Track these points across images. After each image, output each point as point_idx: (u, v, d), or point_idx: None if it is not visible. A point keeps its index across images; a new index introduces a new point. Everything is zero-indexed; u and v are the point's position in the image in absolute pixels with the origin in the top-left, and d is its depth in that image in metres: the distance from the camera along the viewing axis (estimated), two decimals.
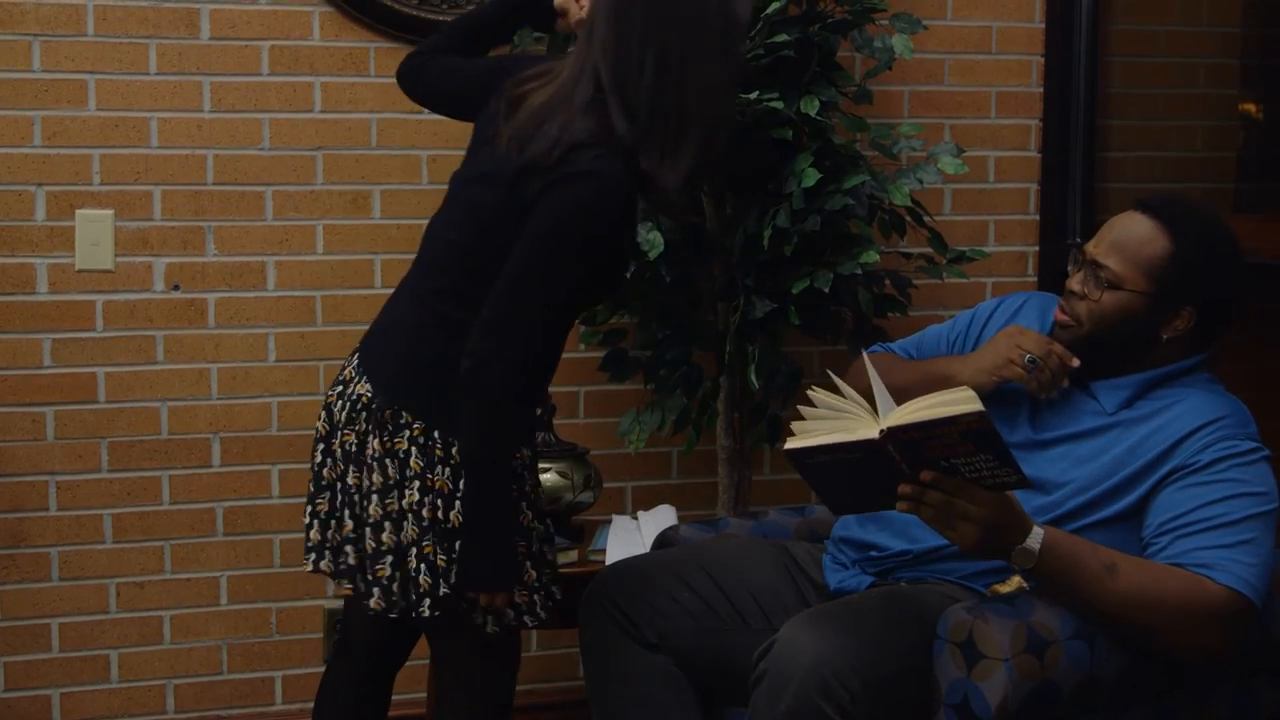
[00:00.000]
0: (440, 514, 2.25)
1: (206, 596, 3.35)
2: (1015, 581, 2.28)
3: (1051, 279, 3.60)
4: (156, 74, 3.23)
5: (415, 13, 3.31)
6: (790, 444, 2.10)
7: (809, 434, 2.09)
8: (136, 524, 3.30)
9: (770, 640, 2.20)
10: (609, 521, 3.20)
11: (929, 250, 3.32)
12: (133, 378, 3.27)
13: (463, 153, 2.44)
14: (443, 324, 2.28)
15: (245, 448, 3.34)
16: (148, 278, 3.26)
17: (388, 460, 2.27)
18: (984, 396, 2.10)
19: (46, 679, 3.28)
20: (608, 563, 2.90)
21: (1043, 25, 3.68)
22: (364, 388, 2.31)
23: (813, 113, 3.02)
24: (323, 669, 2.75)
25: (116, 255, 3.24)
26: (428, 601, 2.26)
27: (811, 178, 2.98)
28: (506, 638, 2.35)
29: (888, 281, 3.24)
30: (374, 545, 2.28)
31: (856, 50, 3.25)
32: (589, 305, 2.58)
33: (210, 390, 3.31)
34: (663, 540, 2.76)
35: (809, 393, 2.12)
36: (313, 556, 2.39)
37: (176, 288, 3.28)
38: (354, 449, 2.31)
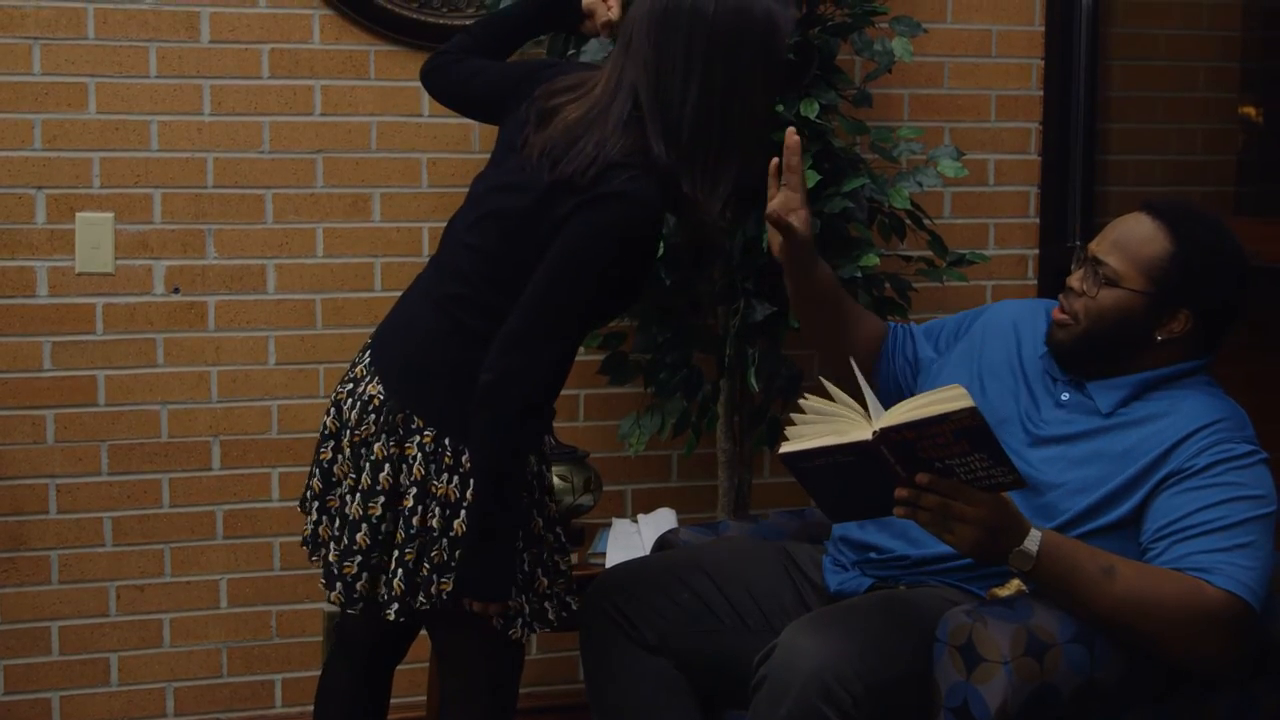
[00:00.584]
0: (436, 521, 2.25)
1: (206, 599, 3.35)
2: (1014, 585, 2.28)
3: (1051, 282, 3.61)
4: (157, 77, 3.23)
5: (415, 16, 3.31)
6: (784, 447, 2.10)
7: (802, 438, 2.09)
8: (136, 527, 3.30)
9: (771, 645, 2.20)
10: (609, 524, 3.21)
11: (929, 253, 3.32)
12: (133, 381, 3.28)
13: (463, 156, 2.45)
14: (461, 332, 2.27)
15: (245, 451, 3.34)
16: (148, 281, 3.27)
17: (387, 465, 2.27)
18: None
19: (46, 682, 3.28)
20: (608, 565, 2.90)
21: (1043, 28, 3.68)
22: (375, 388, 2.31)
23: (812, 116, 3.02)
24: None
25: (117, 258, 3.24)
26: (395, 607, 2.26)
27: (811, 180, 2.98)
28: (511, 639, 2.35)
29: (887, 285, 3.25)
30: (347, 542, 2.28)
31: (856, 53, 3.25)
32: (605, 321, 2.58)
33: (210, 393, 3.31)
34: (663, 543, 2.76)
35: (800, 402, 2.12)
36: (322, 551, 2.39)
37: (176, 291, 3.28)
38: (359, 448, 2.31)
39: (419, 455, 2.25)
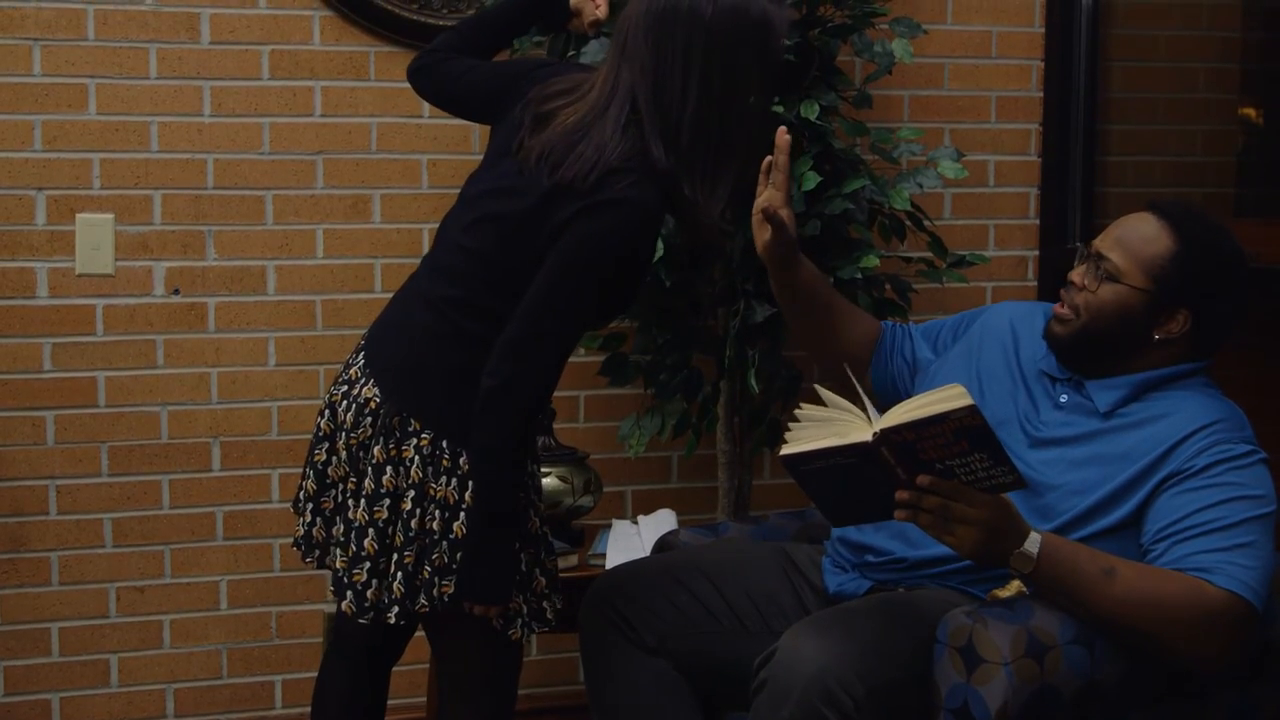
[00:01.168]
0: (436, 524, 2.25)
1: (206, 601, 3.35)
2: (1014, 586, 2.28)
3: (1051, 283, 3.60)
4: (157, 78, 3.23)
5: (416, 17, 3.31)
6: (784, 450, 2.10)
7: (802, 440, 2.09)
8: (136, 528, 3.30)
9: (771, 648, 2.20)
10: (609, 526, 3.21)
11: (929, 254, 3.32)
12: (133, 382, 3.28)
13: (462, 157, 2.45)
14: (458, 335, 2.27)
15: (245, 452, 3.34)
16: (148, 282, 3.27)
17: (388, 467, 2.27)
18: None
19: (46, 684, 3.28)
20: (607, 567, 2.90)
21: (1043, 30, 3.68)
22: (371, 390, 2.30)
23: (813, 117, 3.02)
24: None
25: (117, 259, 3.24)
26: (395, 610, 2.26)
27: (811, 182, 2.98)
28: (511, 640, 2.35)
29: (888, 286, 3.24)
30: (355, 549, 2.28)
31: (856, 54, 3.25)
32: (603, 324, 2.58)
33: (210, 395, 3.31)
34: (662, 544, 2.76)
35: (797, 411, 2.12)
36: (317, 553, 2.40)
37: (177, 292, 3.28)
38: (358, 452, 2.31)
39: (416, 458, 2.25)
